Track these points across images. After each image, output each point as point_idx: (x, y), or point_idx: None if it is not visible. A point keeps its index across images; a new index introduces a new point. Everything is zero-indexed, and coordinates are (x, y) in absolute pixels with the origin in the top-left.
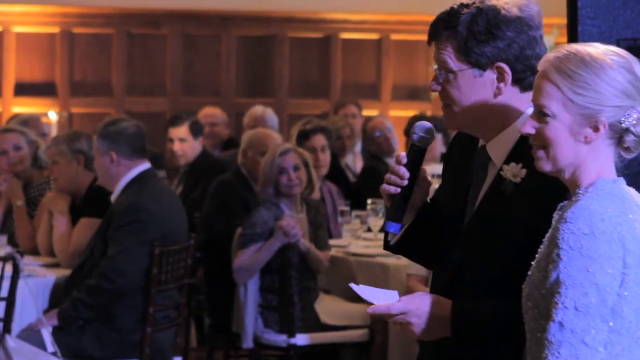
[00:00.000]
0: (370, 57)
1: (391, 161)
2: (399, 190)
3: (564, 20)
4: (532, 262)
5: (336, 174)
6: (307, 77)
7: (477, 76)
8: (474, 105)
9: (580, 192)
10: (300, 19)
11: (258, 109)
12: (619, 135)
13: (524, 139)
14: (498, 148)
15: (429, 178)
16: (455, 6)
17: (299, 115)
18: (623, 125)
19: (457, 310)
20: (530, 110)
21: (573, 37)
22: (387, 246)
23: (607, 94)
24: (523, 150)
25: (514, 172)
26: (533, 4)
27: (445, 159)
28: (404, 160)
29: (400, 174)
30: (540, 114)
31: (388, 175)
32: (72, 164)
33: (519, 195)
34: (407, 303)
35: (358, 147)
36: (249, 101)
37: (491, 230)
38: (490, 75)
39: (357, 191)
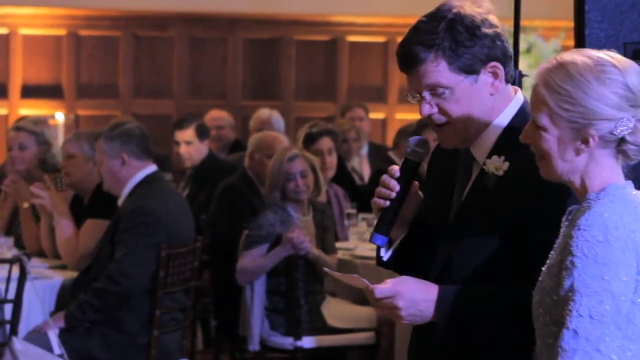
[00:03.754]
0: (376, 60)
1: (384, 175)
2: (388, 203)
3: (571, 24)
4: (543, 268)
5: (342, 176)
6: (314, 80)
7: (473, 83)
8: (474, 113)
9: (591, 198)
10: (306, 22)
11: (264, 112)
12: (616, 143)
13: (505, 134)
14: (481, 146)
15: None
16: (420, 25)
17: (305, 118)
18: (617, 135)
19: (443, 293)
20: (512, 105)
21: (580, 41)
22: (379, 262)
23: (593, 109)
24: (505, 144)
25: (496, 165)
26: (481, 1)
27: (427, 173)
28: (397, 174)
29: (390, 186)
30: (535, 126)
31: (379, 189)
32: (88, 163)
33: (501, 188)
34: (395, 286)
35: (364, 150)
36: (255, 104)
37: (475, 223)
38: (484, 77)
39: (368, 194)
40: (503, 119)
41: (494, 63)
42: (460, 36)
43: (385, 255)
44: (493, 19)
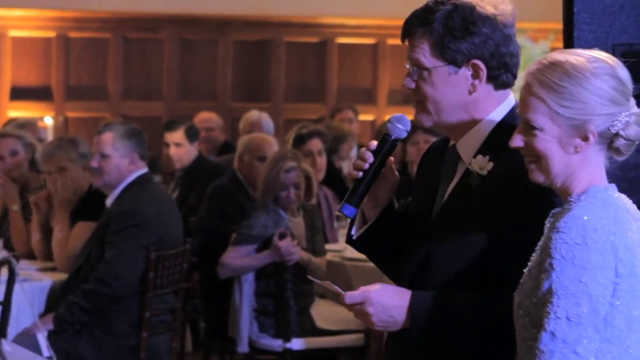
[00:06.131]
0: (366, 62)
1: (362, 148)
2: (361, 174)
3: (560, 26)
4: (524, 270)
5: (332, 178)
6: (303, 81)
7: (452, 73)
8: (448, 102)
9: (573, 200)
10: (296, 24)
11: (254, 114)
12: (609, 140)
13: (492, 135)
14: (467, 145)
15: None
16: (431, 3)
17: (295, 120)
18: (612, 130)
19: (417, 299)
20: (503, 106)
21: (569, 42)
22: (349, 240)
23: (593, 104)
24: (492, 145)
25: (481, 164)
26: (507, 3)
27: (416, 174)
28: (373, 147)
29: (364, 158)
30: (528, 127)
31: (355, 160)
32: (79, 169)
33: (484, 188)
34: (365, 292)
35: (354, 151)
36: (245, 106)
37: (457, 223)
38: (465, 72)
39: None
40: (491, 119)
41: (476, 61)
42: (452, 24)
43: (355, 233)
44: (503, 20)
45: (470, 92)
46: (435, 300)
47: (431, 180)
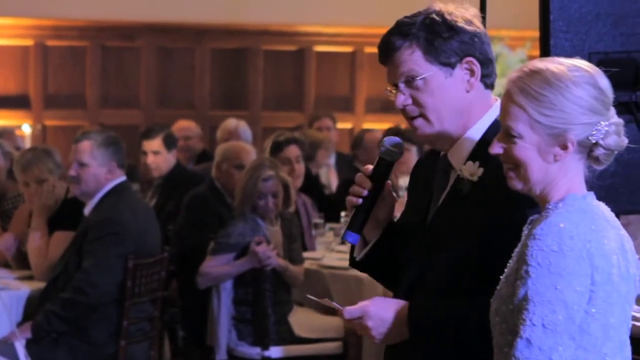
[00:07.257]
0: (344, 70)
1: (358, 174)
2: (360, 201)
3: (536, 34)
4: (501, 277)
5: (311, 186)
6: (281, 90)
7: (448, 76)
8: (449, 107)
9: (550, 207)
10: (274, 32)
11: (231, 122)
12: (588, 149)
13: (482, 142)
14: (458, 153)
15: (401, 191)
16: (402, 19)
17: (273, 129)
18: (592, 140)
19: (414, 309)
20: (491, 112)
21: (545, 50)
22: (353, 262)
23: (573, 113)
24: (481, 151)
25: (471, 170)
26: (468, 6)
27: (408, 184)
28: (368, 172)
29: (362, 184)
30: (508, 135)
31: (352, 187)
32: (56, 179)
33: (475, 193)
34: (364, 307)
35: (332, 159)
36: (223, 114)
37: (450, 229)
38: (460, 72)
39: (336, 203)
40: (481, 125)
41: (470, 59)
42: (437, 27)
43: (359, 255)
44: (477, 21)
45: (467, 91)
46: (432, 310)
47: (423, 191)
